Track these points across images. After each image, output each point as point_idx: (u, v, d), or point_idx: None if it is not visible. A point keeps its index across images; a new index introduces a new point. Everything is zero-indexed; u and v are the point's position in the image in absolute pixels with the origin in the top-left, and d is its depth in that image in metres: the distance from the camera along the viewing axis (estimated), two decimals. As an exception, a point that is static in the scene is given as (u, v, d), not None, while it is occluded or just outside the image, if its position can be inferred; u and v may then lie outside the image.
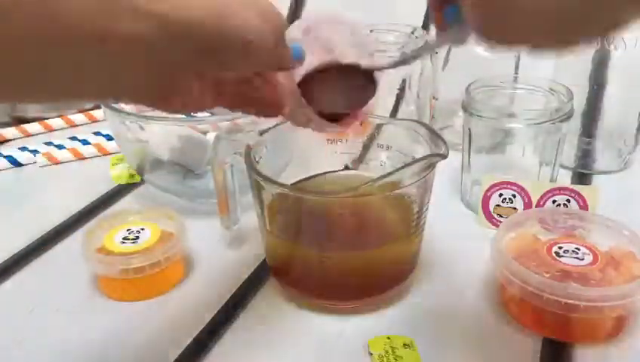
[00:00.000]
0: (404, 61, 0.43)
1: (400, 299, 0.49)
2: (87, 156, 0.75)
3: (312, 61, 0.39)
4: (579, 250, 0.47)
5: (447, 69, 0.71)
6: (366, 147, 0.55)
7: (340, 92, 0.42)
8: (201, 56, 0.31)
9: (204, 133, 0.63)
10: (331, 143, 0.54)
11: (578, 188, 0.56)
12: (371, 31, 0.68)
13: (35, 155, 0.74)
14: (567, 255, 0.47)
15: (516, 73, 0.69)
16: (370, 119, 0.55)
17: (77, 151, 0.74)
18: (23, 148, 0.75)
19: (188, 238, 0.53)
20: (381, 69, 0.41)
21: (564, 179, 0.66)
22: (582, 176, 0.67)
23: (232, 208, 0.53)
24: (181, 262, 0.53)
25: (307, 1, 1.01)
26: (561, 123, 0.56)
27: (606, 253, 0.47)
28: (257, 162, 0.48)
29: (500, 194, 0.57)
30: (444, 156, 0.45)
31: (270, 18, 0.33)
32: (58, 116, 0.83)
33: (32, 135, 0.81)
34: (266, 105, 0.39)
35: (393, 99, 0.67)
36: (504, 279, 0.46)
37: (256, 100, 0.39)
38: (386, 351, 0.44)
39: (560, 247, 0.47)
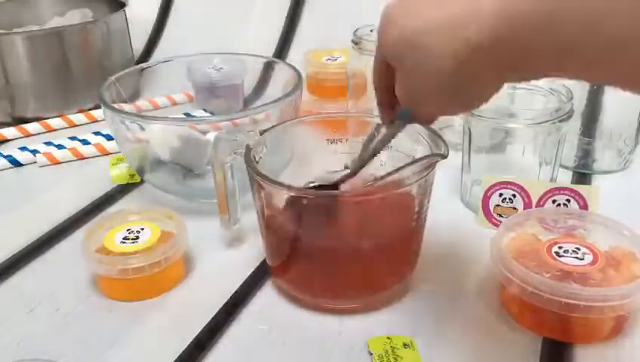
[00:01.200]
0: (362, 165, 0.48)
1: (400, 299, 0.49)
2: (87, 156, 0.75)
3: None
4: (579, 249, 0.47)
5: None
6: (365, 148, 0.55)
7: None
8: None
9: (204, 133, 0.63)
10: (331, 143, 0.54)
11: (578, 188, 0.56)
12: (371, 31, 0.68)
13: (34, 155, 0.74)
14: (567, 255, 0.47)
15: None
16: (370, 119, 0.55)
17: (77, 151, 0.74)
18: (23, 148, 0.75)
19: (188, 238, 0.53)
20: (345, 180, 0.49)
21: (564, 179, 0.66)
22: (582, 176, 0.67)
23: (232, 208, 0.53)
24: (181, 262, 0.53)
25: (307, 1, 1.01)
26: (561, 123, 0.56)
27: (606, 252, 0.47)
28: (257, 162, 0.48)
29: (500, 194, 0.57)
30: (444, 156, 0.45)
31: None
32: (58, 116, 0.83)
33: (32, 135, 0.81)
34: None
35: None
36: (504, 279, 0.46)
37: None
38: (386, 351, 0.44)
39: (560, 247, 0.47)
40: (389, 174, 0.44)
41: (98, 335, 0.47)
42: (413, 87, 0.38)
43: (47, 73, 0.83)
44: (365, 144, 0.48)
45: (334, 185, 0.49)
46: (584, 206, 0.56)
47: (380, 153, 0.47)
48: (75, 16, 0.96)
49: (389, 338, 0.45)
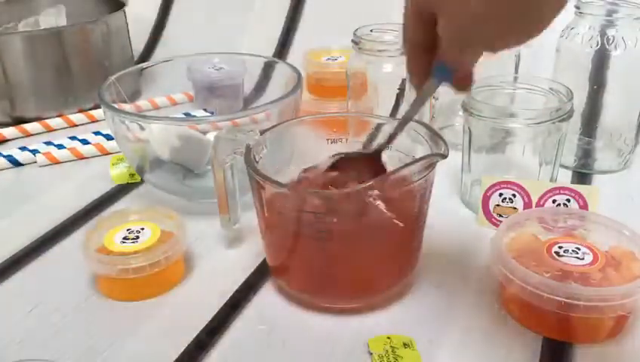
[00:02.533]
0: (397, 132, 0.48)
1: (400, 299, 0.49)
2: (87, 156, 0.75)
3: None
4: (579, 249, 0.47)
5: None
6: (366, 147, 0.55)
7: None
8: None
9: (204, 133, 0.63)
10: (332, 143, 0.54)
11: (578, 188, 0.56)
12: (371, 31, 0.68)
13: (34, 155, 0.74)
14: (568, 254, 0.47)
15: (516, 73, 0.69)
16: (370, 119, 0.55)
17: (77, 150, 0.74)
18: (23, 148, 0.75)
19: (188, 238, 0.53)
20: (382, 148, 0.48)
21: (564, 179, 0.66)
22: (582, 176, 0.67)
23: (232, 208, 0.53)
24: (181, 262, 0.53)
25: (306, 2, 1.01)
26: (561, 123, 0.56)
27: (606, 252, 0.47)
28: (257, 162, 0.48)
29: (500, 194, 0.57)
30: (444, 156, 0.45)
31: None
32: (58, 116, 0.83)
33: (32, 135, 0.81)
34: None
35: (393, 99, 0.67)
36: (504, 279, 0.46)
37: None
38: (386, 351, 0.44)
39: (560, 247, 0.47)
40: (389, 174, 0.44)
41: (98, 335, 0.47)
42: (464, 24, 0.36)
43: (47, 73, 0.83)
44: (366, 144, 0.48)
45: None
46: (584, 206, 0.56)
47: (410, 121, 0.46)
48: (49, 16, 0.95)
49: (389, 338, 0.45)
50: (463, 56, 0.39)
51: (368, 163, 0.48)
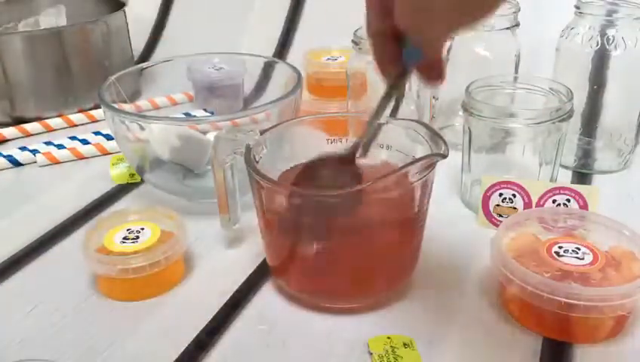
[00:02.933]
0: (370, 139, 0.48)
1: (400, 299, 0.49)
2: (87, 156, 0.75)
3: None
4: (579, 249, 0.47)
5: (448, 68, 0.70)
6: (365, 148, 0.54)
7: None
8: None
9: (204, 133, 0.64)
10: (331, 143, 0.54)
11: (578, 188, 0.56)
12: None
13: (34, 155, 0.74)
14: (568, 254, 0.47)
15: (516, 73, 0.69)
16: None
17: (77, 150, 0.74)
18: (23, 148, 0.75)
19: (188, 238, 0.53)
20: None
21: (564, 179, 0.66)
22: (582, 176, 0.67)
23: (232, 208, 0.53)
24: (181, 262, 0.53)
25: (306, 2, 1.01)
26: (561, 123, 0.56)
27: (606, 252, 0.47)
28: (257, 162, 0.48)
29: (500, 194, 0.57)
30: (444, 156, 0.45)
31: None
32: (58, 116, 0.83)
33: (32, 134, 0.81)
34: None
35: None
36: (504, 279, 0.46)
37: None
38: (386, 351, 0.44)
39: (560, 247, 0.47)
40: (389, 174, 0.44)
41: (98, 335, 0.47)
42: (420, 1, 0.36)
43: (47, 73, 0.83)
44: (365, 145, 0.48)
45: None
46: (584, 206, 0.56)
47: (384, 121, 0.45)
48: (49, 16, 0.95)
49: (389, 338, 0.45)
50: (426, 34, 0.39)
51: (344, 164, 0.48)
